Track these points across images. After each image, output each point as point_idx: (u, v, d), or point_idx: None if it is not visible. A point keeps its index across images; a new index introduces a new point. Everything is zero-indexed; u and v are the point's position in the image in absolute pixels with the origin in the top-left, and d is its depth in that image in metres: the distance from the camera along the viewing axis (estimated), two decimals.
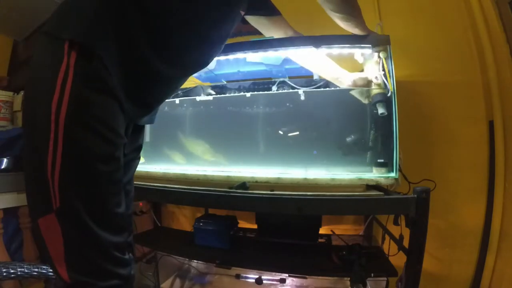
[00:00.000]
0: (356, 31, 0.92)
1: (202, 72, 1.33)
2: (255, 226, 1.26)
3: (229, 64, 1.26)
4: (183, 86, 1.41)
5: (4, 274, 0.78)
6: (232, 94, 1.24)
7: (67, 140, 0.50)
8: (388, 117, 0.91)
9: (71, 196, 0.50)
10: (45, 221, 0.51)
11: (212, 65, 1.26)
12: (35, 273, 0.85)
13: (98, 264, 0.53)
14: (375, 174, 0.92)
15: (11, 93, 1.71)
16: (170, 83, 0.68)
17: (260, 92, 1.14)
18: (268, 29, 1.00)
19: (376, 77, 0.95)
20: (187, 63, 0.68)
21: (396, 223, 0.90)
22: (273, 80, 1.28)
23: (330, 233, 1.29)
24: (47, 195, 0.50)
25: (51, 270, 0.90)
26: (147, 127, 1.22)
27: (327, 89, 1.10)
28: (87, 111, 0.52)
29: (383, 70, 0.95)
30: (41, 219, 0.51)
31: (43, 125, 0.50)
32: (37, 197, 0.53)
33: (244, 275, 1.29)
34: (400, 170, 0.91)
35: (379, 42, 0.93)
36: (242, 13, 0.78)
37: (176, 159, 1.17)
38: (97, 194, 0.54)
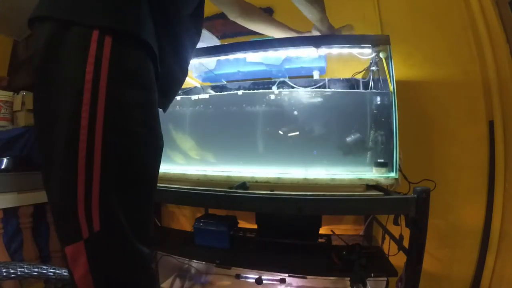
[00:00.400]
0: (317, 19, 0.90)
1: (202, 72, 1.34)
2: (255, 226, 1.26)
3: (229, 64, 1.26)
4: (184, 86, 1.41)
5: (4, 274, 0.78)
6: (223, 93, 1.24)
7: (110, 154, 0.41)
8: (388, 117, 0.91)
9: (117, 216, 0.43)
10: (73, 249, 0.42)
11: (212, 65, 1.26)
12: (35, 273, 0.85)
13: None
14: (375, 174, 0.91)
15: (11, 93, 1.71)
16: (179, 67, 0.64)
17: (253, 91, 1.14)
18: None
19: None
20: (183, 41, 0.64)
21: (396, 223, 0.90)
22: (273, 80, 1.28)
23: (330, 233, 1.29)
24: (73, 221, 0.41)
25: (51, 270, 0.90)
26: None
27: (328, 89, 1.11)
28: (133, 115, 0.44)
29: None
30: (68, 247, 0.43)
31: (69, 137, 0.40)
32: (61, 222, 0.44)
33: (244, 275, 1.29)
34: (400, 170, 0.91)
35: (379, 42, 0.93)
36: None
37: (177, 159, 1.17)
38: (146, 210, 0.48)
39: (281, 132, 1.05)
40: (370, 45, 0.94)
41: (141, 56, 0.45)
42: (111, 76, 0.41)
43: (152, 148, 0.49)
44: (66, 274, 0.86)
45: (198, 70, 1.32)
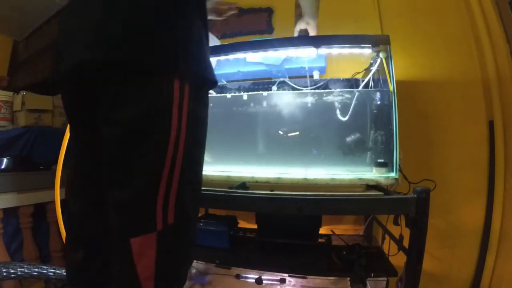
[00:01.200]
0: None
1: None
2: (255, 226, 1.26)
3: (229, 64, 1.26)
4: None
5: (4, 274, 0.78)
6: (215, 95, 1.24)
7: (186, 161, 0.51)
8: (388, 117, 0.91)
9: (188, 211, 0.52)
10: (141, 241, 0.48)
11: (212, 65, 1.26)
12: (35, 273, 0.85)
13: (183, 280, 0.55)
14: (375, 174, 0.91)
15: (11, 93, 1.71)
16: None
17: (246, 93, 1.13)
18: None
19: None
20: None
21: (396, 223, 0.90)
22: (273, 80, 1.28)
23: (330, 233, 1.29)
24: (150, 214, 0.48)
25: (51, 270, 0.90)
26: None
27: (327, 90, 1.10)
28: (201, 131, 0.57)
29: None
30: (135, 239, 0.48)
31: (159, 148, 0.49)
32: (134, 216, 0.50)
33: (244, 275, 1.29)
34: (400, 170, 0.91)
35: (379, 42, 0.93)
36: None
37: None
38: (198, 207, 0.60)
39: (281, 132, 1.05)
40: (370, 45, 0.94)
41: (207, 90, 0.60)
42: (189, 104, 0.51)
43: (203, 156, 0.60)
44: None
45: None
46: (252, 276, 1.26)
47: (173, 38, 0.50)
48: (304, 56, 1.14)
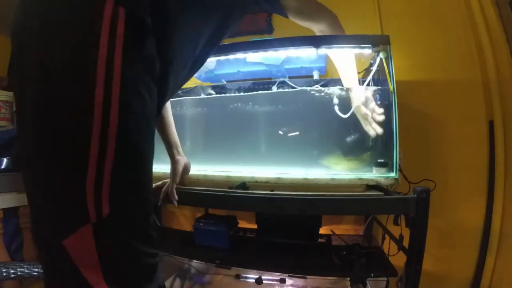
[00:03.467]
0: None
1: (202, 72, 1.33)
2: (255, 226, 1.26)
3: (229, 64, 1.26)
4: (183, 86, 1.41)
5: (4, 274, 0.78)
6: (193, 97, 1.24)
7: (123, 145, 0.40)
8: (388, 117, 0.91)
9: (125, 202, 0.43)
10: (76, 237, 0.39)
11: (212, 65, 1.26)
12: (35, 273, 0.85)
13: (139, 278, 0.46)
14: (375, 174, 0.91)
15: (11, 93, 1.71)
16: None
17: (237, 94, 1.13)
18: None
19: None
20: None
21: (396, 223, 0.90)
22: (273, 80, 1.28)
23: (330, 233, 1.29)
24: (80, 207, 0.39)
25: None
26: None
27: (327, 87, 1.10)
28: (145, 106, 0.42)
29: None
30: (70, 236, 0.40)
31: (78, 126, 0.38)
32: (63, 212, 0.41)
33: (244, 275, 1.29)
34: (400, 170, 0.91)
35: (379, 42, 0.93)
36: None
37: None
38: (147, 199, 0.48)
39: (281, 132, 1.05)
40: (370, 45, 0.94)
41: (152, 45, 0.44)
42: (125, 58, 0.39)
43: (152, 145, 0.49)
44: None
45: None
46: (252, 276, 1.26)
47: None
48: (304, 56, 1.14)
